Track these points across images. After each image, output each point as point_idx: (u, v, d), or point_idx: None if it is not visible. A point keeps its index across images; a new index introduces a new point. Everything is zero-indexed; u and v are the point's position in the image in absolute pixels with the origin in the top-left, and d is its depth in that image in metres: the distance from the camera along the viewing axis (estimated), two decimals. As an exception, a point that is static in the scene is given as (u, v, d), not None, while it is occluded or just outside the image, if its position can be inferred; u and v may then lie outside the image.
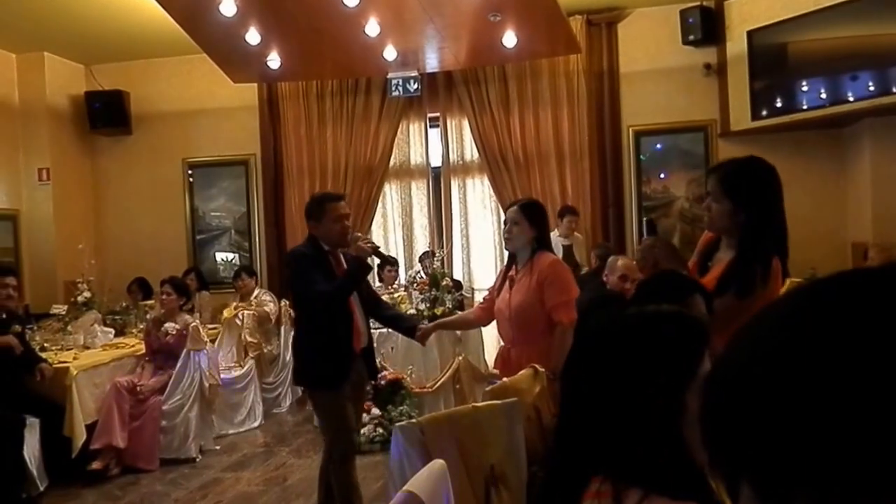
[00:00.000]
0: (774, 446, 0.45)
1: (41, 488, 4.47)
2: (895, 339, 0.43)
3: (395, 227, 7.73)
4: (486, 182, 7.39)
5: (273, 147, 7.68)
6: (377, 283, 6.76)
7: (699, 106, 6.92)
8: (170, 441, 5.07)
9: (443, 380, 5.43)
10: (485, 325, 4.42)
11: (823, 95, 6.01)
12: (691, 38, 6.75)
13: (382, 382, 5.28)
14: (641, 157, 7.15)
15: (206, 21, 5.64)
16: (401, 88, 6.96)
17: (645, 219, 6.97)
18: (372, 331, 5.25)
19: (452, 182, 7.52)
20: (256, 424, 6.03)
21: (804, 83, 6.13)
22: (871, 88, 5.71)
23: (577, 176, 7.11)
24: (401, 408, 5.23)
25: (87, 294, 5.89)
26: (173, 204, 7.94)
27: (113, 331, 5.91)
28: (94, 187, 8.10)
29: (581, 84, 7.07)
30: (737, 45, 6.59)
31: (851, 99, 5.84)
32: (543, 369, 2.83)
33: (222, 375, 5.62)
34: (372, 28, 5.74)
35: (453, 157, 7.51)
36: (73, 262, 6.84)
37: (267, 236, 7.75)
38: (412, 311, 5.61)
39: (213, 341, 5.88)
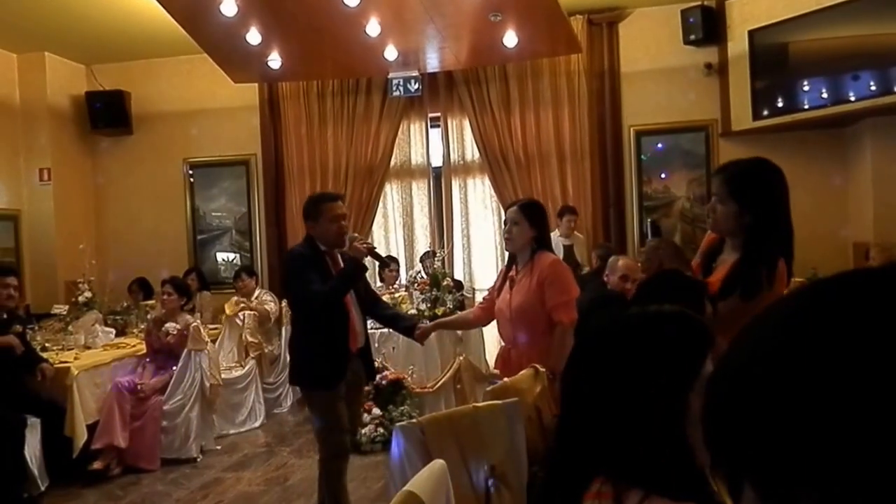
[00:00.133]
0: (776, 446, 0.45)
1: (42, 488, 4.47)
2: (896, 339, 0.43)
3: (395, 227, 7.73)
4: (487, 182, 7.38)
5: (274, 147, 7.69)
6: (378, 283, 6.76)
7: (700, 106, 6.92)
8: (171, 441, 5.08)
9: (443, 380, 5.43)
10: (484, 326, 4.42)
11: (825, 95, 6.00)
12: (692, 37, 6.74)
13: (383, 382, 5.28)
14: (642, 156, 7.15)
15: (206, 21, 5.64)
16: (401, 88, 6.95)
17: (649, 220, 6.97)
18: (373, 331, 5.30)
19: (453, 182, 7.52)
20: (257, 424, 6.03)
21: (805, 83, 6.13)
22: (873, 88, 5.70)
23: (578, 176, 7.11)
24: (401, 408, 5.23)
25: (87, 294, 5.89)
26: (174, 204, 7.94)
27: (114, 331, 5.91)
28: (95, 187, 8.10)
29: (582, 84, 7.07)
30: (738, 44, 6.58)
31: (853, 99, 5.83)
32: (544, 369, 2.83)
33: (223, 375, 5.62)
34: (373, 28, 5.74)
35: (454, 156, 7.51)
36: (74, 262, 6.85)
37: (268, 236, 7.75)
38: (413, 312, 5.61)
39: (213, 341, 5.88)
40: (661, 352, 1.12)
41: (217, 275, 7.81)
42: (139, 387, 5.10)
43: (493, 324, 3.52)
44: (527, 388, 2.69)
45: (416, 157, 7.61)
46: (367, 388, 4.93)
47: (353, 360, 3.48)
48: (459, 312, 5.24)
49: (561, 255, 5.65)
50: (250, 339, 6.32)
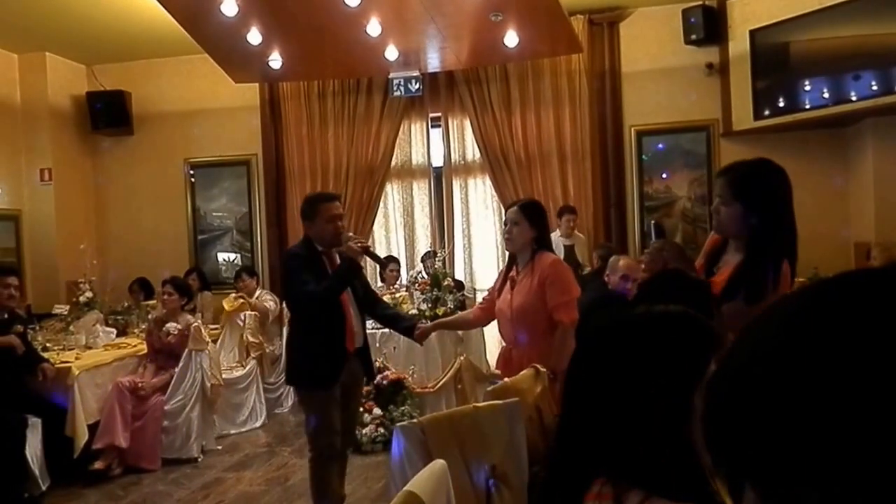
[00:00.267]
0: (776, 446, 0.45)
1: (43, 488, 4.47)
2: (898, 339, 0.43)
3: (396, 227, 7.73)
4: (488, 182, 7.38)
5: (275, 147, 7.69)
6: (379, 284, 6.76)
7: (701, 105, 6.91)
8: (172, 441, 5.08)
9: (444, 380, 5.43)
10: (484, 326, 4.42)
11: (826, 95, 6.00)
12: (693, 37, 6.74)
13: (384, 382, 5.28)
14: (643, 156, 7.15)
15: (207, 21, 5.64)
16: (402, 88, 6.95)
17: (652, 222, 6.94)
18: (374, 331, 5.31)
19: (454, 182, 7.52)
20: (258, 424, 6.04)
21: (807, 83, 6.12)
22: (874, 88, 5.69)
23: (579, 176, 7.11)
24: (402, 408, 5.23)
25: (88, 294, 5.90)
26: (175, 204, 7.94)
27: (115, 331, 5.92)
28: (96, 187, 8.11)
29: (583, 84, 7.07)
30: (739, 44, 6.58)
31: (854, 98, 5.82)
32: (545, 369, 2.83)
33: (224, 375, 5.62)
34: (373, 28, 5.74)
35: (455, 157, 7.51)
36: (75, 262, 6.85)
37: (268, 236, 7.76)
38: (414, 312, 5.61)
39: (214, 341, 5.89)
40: (667, 352, 1.11)
41: (218, 275, 7.81)
42: (140, 385, 5.10)
43: (494, 324, 3.52)
44: (527, 388, 2.68)
45: (417, 157, 7.61)
46: (367, 388, 4.94)
47: (351, 360, 3.48)
48: (460, 312, 5.24)
49: (562, 256, 5.66)
50: (251, 339, 6.32)
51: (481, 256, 7.56)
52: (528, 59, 6.94)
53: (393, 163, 7.51)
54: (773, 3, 6.27)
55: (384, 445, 4.94)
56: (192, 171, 7.95)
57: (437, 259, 6.20)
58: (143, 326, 5.83)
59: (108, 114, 7.76)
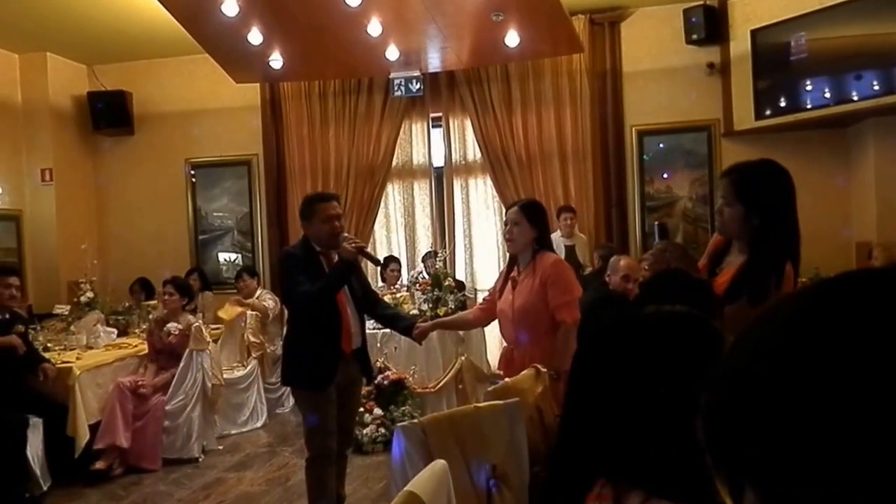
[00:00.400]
0: (776, 446, 0.45)
1: (44, 488, 4.48)
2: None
3: (397, 227, 7.73)
4: (489, 182, 7.38)
5: (275, 147, 7.69)
6: (380, 284, 6.76)
7: (702, 105, 6.91)
8: (172, 441, 5.08)
9: (445, 380, 5.44)
10: (484, 326, 4.42)
11: (827, 95, 5.99)
12: (694, 37, 6.73)
13: (385, 382, 5.28)
14: (644, 156, 7.14)
15: (208, 21, 5.65)
16: (403, 88, 6.95)
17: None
18: (375, 331, 5.31)
19: (455, 182, 7.52)
20: (259, 424, 6.04)
21: (808, 82, 6.12)
22: (876, 88, 5.69)
23: (580, 176, 7.11)
24: (403, 408, 5.23)
25: (89, 294, 5.91)
26: (176, 204, 7.95)
27: (116, 331, 5.92)
28: (97, 188, 8.11)
29: (584, 84, 7.07)
30: (740, 44, 6.57)
31: (855, 98, 5.82)
32: (545, 369, 2.82)
33: (225, 375, 5.62)
34: (374, 28, 5.74)
35: (456, 157, 7.50)
36: (76, 262, 6.85)
37: (269, 237, 7.76)
38: (415, 312, 5.60)
39: (215, 341, 5.89)
40: (673, 352, 1.11)
41: (219, 275, 7.81)
42: (141, 384, 5.10)
43: (495, 324, 3.52)
44: (528, 388, 2.68)
45: (418, 158, 7.61)
46: (368, 388, 4.94)
47: (348, 361, 3.48)
48: (459, 312, 5.24)
49: (562, 256, 5.65)
50: (252, 339, 6.33)
51: (482, 256, 7.56)
52: (529, 58, 6.94)
53: (394, 163, 7.51)
54: (774, 2, 6.26)
55: (385, 445, 4.94)
56: (192, 172, 7.95)
57: (437, 259, 6.20)
58: (144, 326, 5.83)
59: (109, 114, 7.76)
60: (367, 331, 3.87)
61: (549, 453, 2.28)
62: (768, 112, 6.39)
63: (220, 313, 6.43)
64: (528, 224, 3.20)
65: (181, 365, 5.17)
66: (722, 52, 6.80)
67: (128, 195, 8.04)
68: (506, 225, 3.30)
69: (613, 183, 7.10)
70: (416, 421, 2.20)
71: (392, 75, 6.95)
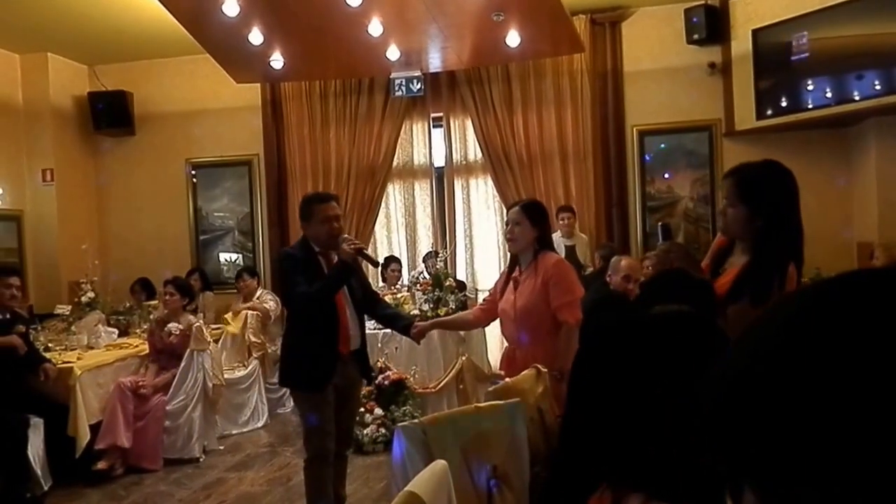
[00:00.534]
0: (776, 446, 0.44)
1: (45, 488, 4.48)
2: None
3: (398, 227, 7.73)
4: (490, 182, 7.38)
5: (276, 147, 7.69)
6: (380, 284, 6.76)
7: (703, 105, 6.90)
8: (173, 441, 5.09)
9: (446, 380, 5.44)
10: (484, 327, 4.41)
11: (829, 94, 5.98)
12: (696, 37, 6.73)
13: (386, 382, 5.28)
14: (645, 156, 7.14)
15: (209, 21, 5.65)
16: (404, 88, 6.95)
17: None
18: (376, 331, 5.30)
19: (456, 182, 7.52)
20: (260, 424, 6.04)
21: (809, 82, 6.11)
22: (877, 87, 5.68)
23: (581, 176, 7.11)
24: (404, 408, 5.23)
25: (90, 294, 5.91)
26: (176, 204, 7.95)
27: (116, 331, 5.93)
28: (98, 188, 8.12)
29: (585, 84, 7.06)
30: (741, 44, 6.57)
31: (857, 98, 5.81)
32: (546, 370, 2.82)
33: (226, 375, 5.63)
34: (375, 28, 5.74)
35: (456, 157, 7.50)
36: (77, 262, 6.86)
37: (270, 237, 7.76)
38: (416, 312, 5.60)
39: (216, 341, 5.89)
40: (674, 353, 1.11)
41: (220, 275, 7.82)
42: (141, 384, 5.11)
43: (495, 324, 3.52)
44: (529, 388, 2.68)
45: (419, 158, 7.61)
46: (368, 388, 4.94)
47: (346, 362, 3.47)
48: (459, 312, 5.25)
49: (562, 256, 5.64)
50: (253, 339, 6.33)
51: (483, 257, 7.56)
52: (530, 58, 6.94)
53: (394, 163, 7.51)
54: (776, 2, 6.26)
55: (385, 446, 4.95)
56: (193, 172, 7.96)
57: (438, 259, 6.19)
58: (145, 327, 5.83)
59: (109, 114, 7.77)
60: (368, 331, 3.87)
61: (551, 454, 2.28)
62: (769, 112, 6.39)
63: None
64: (530, 224, 3.20)
65: (182, 365, 5.17)
66: (723, 52, 6.80)
67: (129, 195, 8.05)
68: (507, 225, 3.30)
69: (614, 183, 7.10)
70: (416, 421, 2.20)
71: (393, 75, 6.95)
